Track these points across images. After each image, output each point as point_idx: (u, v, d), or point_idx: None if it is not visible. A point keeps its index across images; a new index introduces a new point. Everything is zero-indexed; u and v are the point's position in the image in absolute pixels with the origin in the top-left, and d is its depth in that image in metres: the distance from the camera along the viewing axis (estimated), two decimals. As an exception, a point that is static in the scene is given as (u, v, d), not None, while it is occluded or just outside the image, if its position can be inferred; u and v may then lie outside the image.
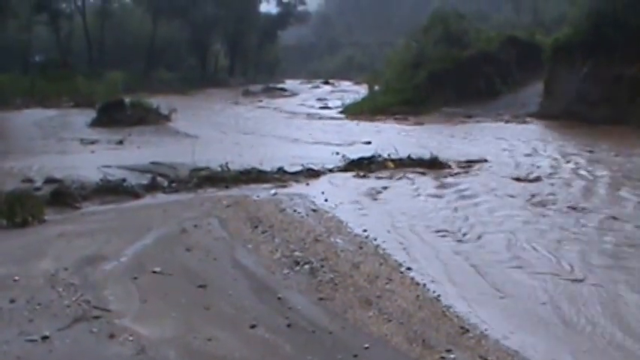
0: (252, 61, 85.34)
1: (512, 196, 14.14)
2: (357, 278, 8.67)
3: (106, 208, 13.22)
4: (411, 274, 8.96)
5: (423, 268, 9.26)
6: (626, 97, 27.45)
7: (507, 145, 22.23)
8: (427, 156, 18.10)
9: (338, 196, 14.06)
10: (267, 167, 16.88)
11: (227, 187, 15.15)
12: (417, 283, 8.59)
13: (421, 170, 17.04)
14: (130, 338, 6.75)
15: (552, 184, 15.37)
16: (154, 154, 20.29)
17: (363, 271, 8.98)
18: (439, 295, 8.15)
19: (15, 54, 58.93)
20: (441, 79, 37.87)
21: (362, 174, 16.74)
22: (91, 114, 31.44)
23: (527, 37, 41.64)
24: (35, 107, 39.29)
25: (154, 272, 8.80)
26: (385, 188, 15.12)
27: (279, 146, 23.22)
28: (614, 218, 12.09)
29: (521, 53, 39.35)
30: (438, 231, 11.35)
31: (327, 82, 73.22)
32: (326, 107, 43.86)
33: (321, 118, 36.75)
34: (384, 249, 10.11)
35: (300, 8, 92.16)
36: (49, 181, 15.23)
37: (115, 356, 6.48)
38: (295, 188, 15.13)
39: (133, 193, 14.32)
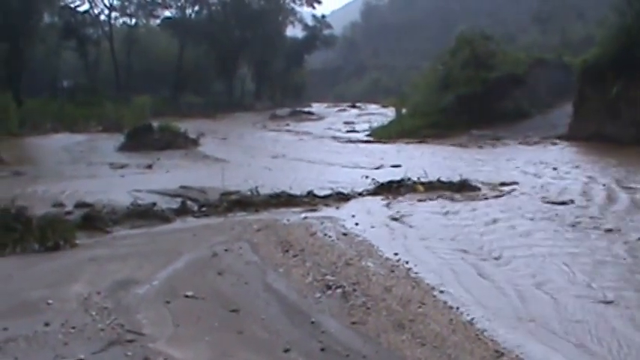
0: (279, 85, 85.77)
1: (542, 219, 14.02)
2: (389, 302, 8.62)
3: (136, 232, 13.30)
4: (444, 297, 8.90)
5: (456, 291, 9.19)
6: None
7: (536, 168, 22.07)
8: (456, 179, 18.07)
9: (368, 220, 14.07)
10: (296, 191, 16.95)
11: (257, 210, 15.19)
12: (450, 307, 8.52)
13: (451, 193, 16.97)
14: (165, 362, 6.76)
15: (583, 207, 15.21)
16: (183, 178, 20.39)
17: (395, 294, 8.94)
18: (473, 319, 8.07)
19: (44, 79, 59.79)
20: (469, 102, 37.71)
21: (392, 197, 16.71)
22: (119, 138, 31.88)
23: (555, 59, 41.40)
24: (64, 132, 39.94)
25: (187, 296, 8.82)
26: (415, 211, 15.08)
27: (308, 170, 23.27)
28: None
29: (549, 75, 39.22)
30: (470, 254, 11.27)
31: (354, 106, 73.44)
32: (353, 130, 43.82)
33: (348, 141, 36.72)
34: (415, 272, 10.06)
35: (327, 32, 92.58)
36: (80, 205, 15.36)
37: (150, 380, 6.50)
38: (325, 212, 15.14)
39: (163, 217, 14.37)
